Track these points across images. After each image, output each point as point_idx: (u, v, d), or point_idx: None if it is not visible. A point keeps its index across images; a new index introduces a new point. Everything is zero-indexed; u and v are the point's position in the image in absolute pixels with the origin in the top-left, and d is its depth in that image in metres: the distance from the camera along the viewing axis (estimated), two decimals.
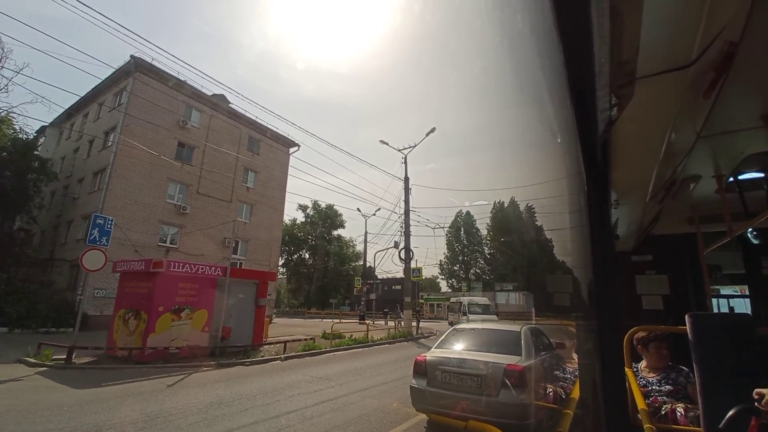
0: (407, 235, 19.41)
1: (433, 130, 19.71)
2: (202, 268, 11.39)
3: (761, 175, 2.81)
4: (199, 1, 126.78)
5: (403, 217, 20.16)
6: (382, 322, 25.87)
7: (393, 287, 55.24)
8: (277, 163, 29.10)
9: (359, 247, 57.72)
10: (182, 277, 10.69)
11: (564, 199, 1.98)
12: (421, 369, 5.04)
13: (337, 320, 28.50)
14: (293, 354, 11.48)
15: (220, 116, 25.43)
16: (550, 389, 4.60)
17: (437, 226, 21.07)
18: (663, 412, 2.52)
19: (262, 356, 10.89)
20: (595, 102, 1.11)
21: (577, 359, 3.57)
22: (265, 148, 28.64)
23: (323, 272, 58.11)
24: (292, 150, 30.78)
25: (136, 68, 20.49)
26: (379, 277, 61.94)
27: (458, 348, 5.35)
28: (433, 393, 4.80)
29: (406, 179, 20.13)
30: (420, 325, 21.91)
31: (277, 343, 12.67)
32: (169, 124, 21.70)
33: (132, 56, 20.12)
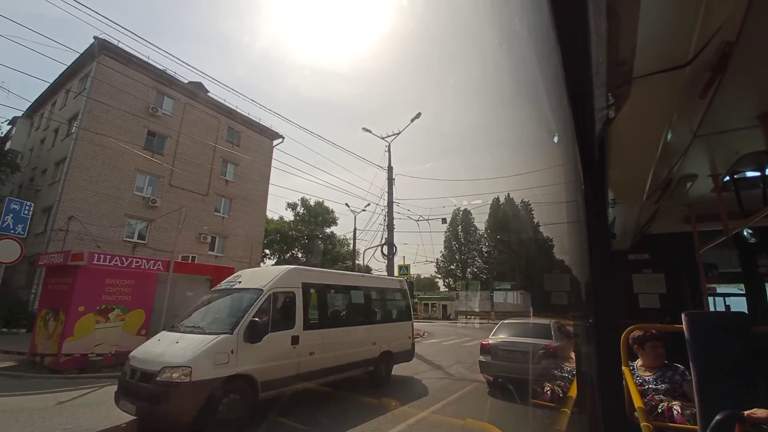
0: (390, 228, 18.20)
1: (418, 115, 18.43)
2: (137, 262, 10.02)
3: (757, 174, 2.82)
4: (197, 1, 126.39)
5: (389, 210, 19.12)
6: None
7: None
8: (259, 155, 27.17)
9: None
10: (111, 272, 9.17)
11: (561, 198, 1.99)
12: (486, 349, 7.40)
13: None
14: None
15: (195, 105, 23.86)
16: (547, 388, 4.62)
17: (420, 218, 20.84)
18: (659, 411, 2.53)
19: None
20: (592, 102, 1.12)
21: (574, 358, 3.58)
22: (246, 140, 27.09)
23: None
24: (276, 142, 29.28)
25: (101, 51, 19.06)
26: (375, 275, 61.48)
27: (509, 335, 7.70)
28: (496, 364, 7.15)
29: (390, 168, 18.74)
30: None
31: None
32: (137, 111, 20.06)
33: (95, 38, 18.70)
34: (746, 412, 1.43)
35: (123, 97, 19.40)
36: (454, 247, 59.39)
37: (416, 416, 5.51)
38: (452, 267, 59.65)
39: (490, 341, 7.40)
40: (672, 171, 2.47)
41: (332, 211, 58.07)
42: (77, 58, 19.42)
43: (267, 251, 57.46)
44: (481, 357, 7.43)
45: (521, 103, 1.72)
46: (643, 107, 1.42)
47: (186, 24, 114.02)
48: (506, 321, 8.72)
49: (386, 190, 18.66)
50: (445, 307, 47.20)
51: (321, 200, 57.01)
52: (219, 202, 24.99)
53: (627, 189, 2.53)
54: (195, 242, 22.49)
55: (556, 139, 1.53)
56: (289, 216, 57.86)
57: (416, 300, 50.67)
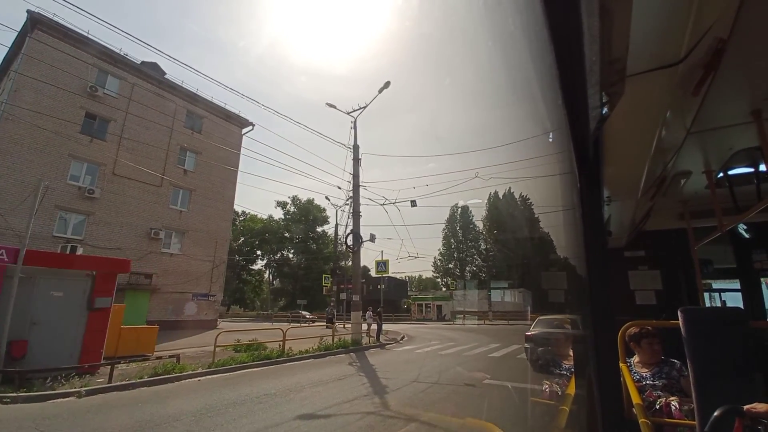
0: (356, 215, 15.65)
1: (387, 84, 16.07)
2: None
3: (751, 170, 2.85)
4: (198, 4, 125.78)
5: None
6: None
7: (378, 286, 51.20)
8: (226, 144, 23.95)
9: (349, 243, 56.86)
10: None
11: (557, 197, 2.00)
12: (529, 339, 9.19)
13: (299, 324, 26.03)
14: (118, 384, 7.38)
15: (146, 86, 21.35)
16: (546, 386, 4.64)
17: (387, 202, 18.17)
18: (657, 407, 2.55)
19: (85, 385, 7.25)
20: (587, 100, 1.12)
21: (572, 355, 3.59)
22: (211, 126, 24.62)
23: (306, 271, 54.78)
24: (245, 130, 26.79)
25: (35, 26, 17.29)
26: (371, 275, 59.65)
27: (543, 327, 9.40)
28: (536, 348, 8.70)
29: (356, 147, 16.38)
30: (383, 330, 18.24)
31: (133, 360, 9.52)
32: (74, 89, 17.64)
33: (29, 12, 16.97)
34: (746, 407, 1.44)
35: (58, 75, 17.05)
36: (453, 245, 57.99)
37: (414, 415, 5.51)
38: (450, 266, 58.24)
39: (532, 332, 9.46)
40: (666, 168, 2.49)
41: (324, 210, 56.93)
42: (16, 37, 17.92)
43: (259, 252, 56.63)
44: (526, 344, 9.55)
45: (516, 103, 1.73)
46: (637, 105, 1.42)
47: (186, 29, 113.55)
48: (541, 317, 10.38)
49: (351, 172, 16.29)
50: (439, 307, 45.13)
51: (312, 199, 56.29)
52: (176, 194, 22.44)
53: (622, 186, 2.54)
54: (145, 238, 20.32)
55: (551, 138, 1.54)
56: (278, 214, 57.05)
57: (410, 300, 49.12)
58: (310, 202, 56.35)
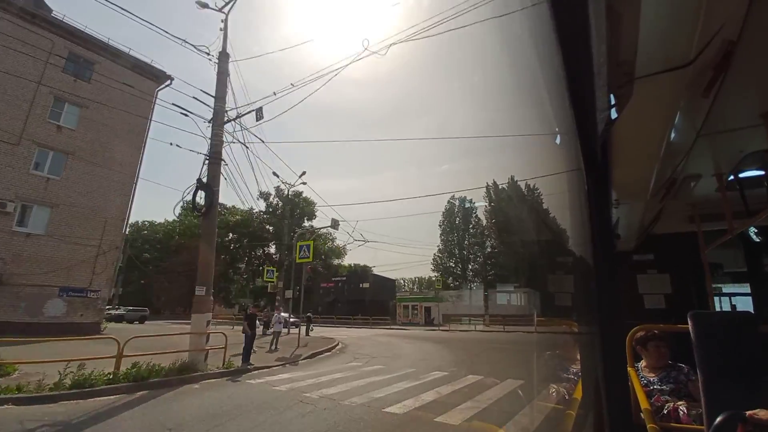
0: (214, 158, 10.09)
1: None
2: None
3: (761, 173, 2.81)
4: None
5: None
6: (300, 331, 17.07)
7: (361, 285, 45.46)
8: (126, 99, 17.91)
9: (338, 242, 50.82)
10: None
11: (565, 199, 1.99)
12: None
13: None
14: None
15: (5, 16, 15.97)
16: (553, 390, 4.60)
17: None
18: (665, 412, 2.52)
19: None
20: (594, 102, 1.12)
21: (579, 359, 3.57)
22: (108, 76, 17.52)
23: (289, 269, 50.91)
24: (160, 87, 20.87)
25: None
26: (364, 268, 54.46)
27: None
28: None
29: (223, 55, 10.65)
30: (310, 334, 15.54)
31: None
32: None
33: None
34: (748, 413, 1.43)
35: None
36: (453, 241, 52.91)
37: (419, 419, 5.49)
38: (451, 264, 52.90)
39: None
40: (676, 171, 2.47)
41: (313, 203, 51.30)
42: None
43: (235, 246, 50.63)
44: None
45: (524, 105, 1.73)
46: (645, 107, 1.41)
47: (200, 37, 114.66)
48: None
49: (214, 93, 10.51)
50: (428, 310, 38.42)
51: (301, 192, 49.82)
52: (42, 156, 17.05)
53: (630, 189, 2.52)
54: None
55: (558, 140, 1.53)
56: (261, 206, 50.48)
57: (396, 301, 42.97)
58: (297, 194, 50.33)
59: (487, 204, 52.90)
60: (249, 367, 9.97)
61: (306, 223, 52.48)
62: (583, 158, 1.36)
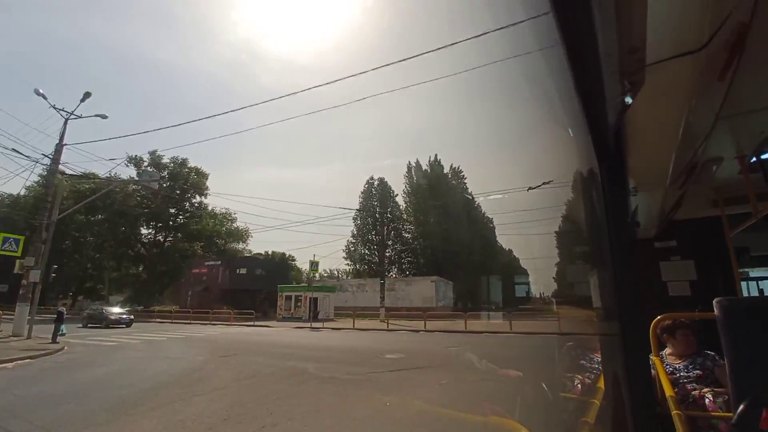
0: None
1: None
2: None
3: None
4: None
5: None
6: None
7: (238, 271, 38.79)
8: None
9: (238, 223, 46.24)
10: None
11: (578, 191, 1.97)
12: None
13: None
14: None
15: None
16: (578, 381, 4.58)
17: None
18: (691, 399, 2.49)
19: None
20: (604, 91, 1.11)
21: (600, 349, 3.54)
22: None
23: (163, 255, 43.49)
24: None
25: None
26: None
27: None
28: None
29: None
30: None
31: None
32: None
33: None
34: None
35: None
36: (369, 225, 47.07)
37: (433, 413, 5.50)
38: (365, 251, 47.05)
39: None
40: (696, 155, 2.41)
41: (206, 176, 45.46)
42: None
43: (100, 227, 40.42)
44: None
45: (529, 99, 1.72)
46: (659, 93, 1.40)
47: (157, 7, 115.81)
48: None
49: None
50: (315, 301, 30.79)
51: (185, 159, 43.87)
52: None
53: (648, 176, 2.48)
54: None
55: (571, 133, 1.53)
56: (130, 173, 42.47)
57: (278, 290, 34.52)
58: (182, 163, 43.76)
59: (405, 185, 49.22)
60: None
61: (196, 199, 45.74)
62: (596, 149, 1.35)
